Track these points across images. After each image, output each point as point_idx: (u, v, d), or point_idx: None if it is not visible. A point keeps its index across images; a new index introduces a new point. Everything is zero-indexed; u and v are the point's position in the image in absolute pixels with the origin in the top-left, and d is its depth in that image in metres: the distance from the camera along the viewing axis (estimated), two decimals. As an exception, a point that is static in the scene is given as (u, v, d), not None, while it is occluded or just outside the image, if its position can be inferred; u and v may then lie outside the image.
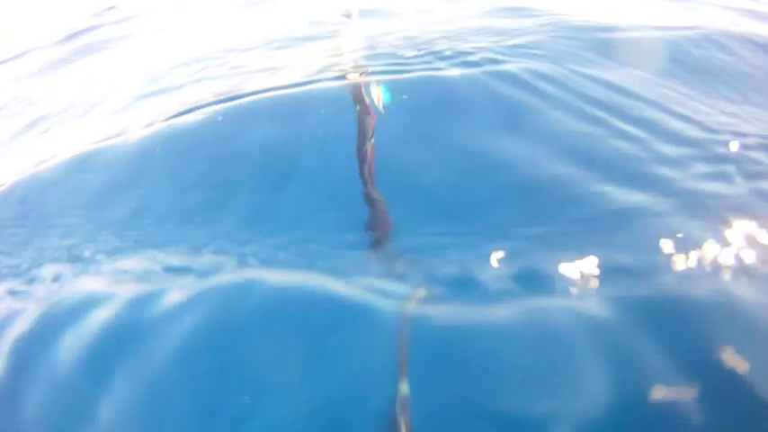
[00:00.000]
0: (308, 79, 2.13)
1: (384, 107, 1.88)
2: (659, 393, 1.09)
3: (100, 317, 1.36)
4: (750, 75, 2.25)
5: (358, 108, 1.90)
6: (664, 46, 2.39)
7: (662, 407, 1.09)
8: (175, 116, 2.09)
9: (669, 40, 2.45)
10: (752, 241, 1.36)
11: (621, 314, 1.21)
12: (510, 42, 2.29)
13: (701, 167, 1.61)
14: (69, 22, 4.42)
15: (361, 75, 2.13)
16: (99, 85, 3.04)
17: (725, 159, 1.64)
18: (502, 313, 1.24)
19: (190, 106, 2.12)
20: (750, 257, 1.31)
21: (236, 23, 3.41)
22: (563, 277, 1.31)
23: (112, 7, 4.62)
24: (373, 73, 2.13)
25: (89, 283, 1.48)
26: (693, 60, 2.30)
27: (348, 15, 2.85)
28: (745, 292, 1.23)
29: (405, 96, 1.95)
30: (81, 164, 2.01)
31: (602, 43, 2.36)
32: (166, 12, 4.26)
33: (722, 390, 1.11)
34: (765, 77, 2.24)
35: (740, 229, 1.39)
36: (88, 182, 1.91)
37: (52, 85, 3.31)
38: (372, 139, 1.75)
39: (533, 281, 1.31)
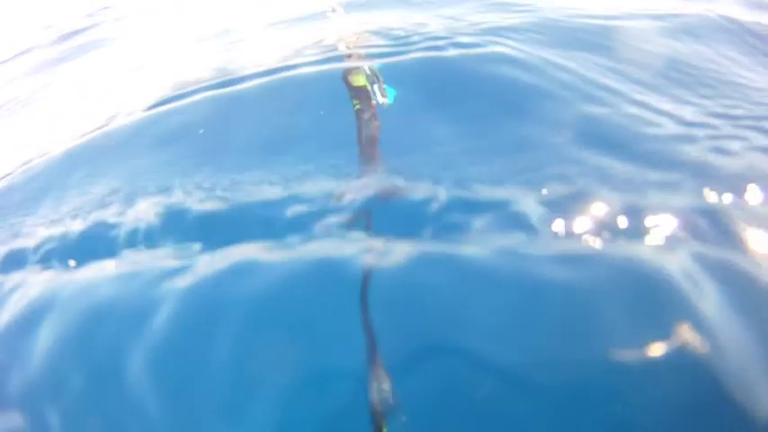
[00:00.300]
0: (304, 62, 2.14)
1: (382, 90, 1.88)
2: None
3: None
4: (746, 61, 2.25)
5: (353, 92, 1.90)
6: (661, 34, 2.39)
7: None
8: (164, 102, 2.12)
9: (666, 28, 2.46)
10: (757, 211, 1.35)
11: (599, 271, 1.22)
12: (506, 28, 2.29)
13: (706, 143, 1.61)
14: (64, 22, 4.44)
15: (355, 57, 2.13)
16: (94, 83, 3.05)
17: (727, 137, 1.64)
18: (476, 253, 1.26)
19: (180, 92, 2.15)
20: (756, 226, 1.30)
21: (230, 21, 3.41)
22: (555, 233, 1.31)
23: (107, 7, 4.65)
24: (369, 55, 2.14)
25: (85, 271, 1.49)
26: (690, 47, 2.30)
27: (334, 10, 2.86)
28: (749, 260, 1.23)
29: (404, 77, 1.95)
30: (73, 157, 2.03)
31: (601, 30, 2.37)
32: (159, 12, 4.28)
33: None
34: (761, 64, 2.24)
35: (745, 199, 1.39)
36: (79, 174, 1.91)
37: (49, 84, 3.32)
38: (377, 121, 1.75)
39: (523, 232, 1.32)
